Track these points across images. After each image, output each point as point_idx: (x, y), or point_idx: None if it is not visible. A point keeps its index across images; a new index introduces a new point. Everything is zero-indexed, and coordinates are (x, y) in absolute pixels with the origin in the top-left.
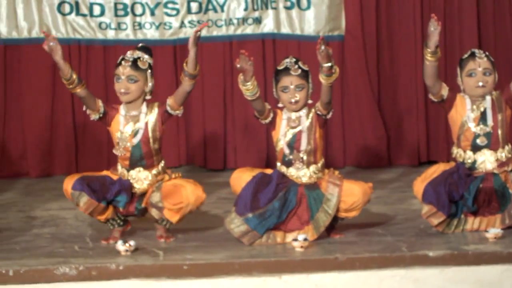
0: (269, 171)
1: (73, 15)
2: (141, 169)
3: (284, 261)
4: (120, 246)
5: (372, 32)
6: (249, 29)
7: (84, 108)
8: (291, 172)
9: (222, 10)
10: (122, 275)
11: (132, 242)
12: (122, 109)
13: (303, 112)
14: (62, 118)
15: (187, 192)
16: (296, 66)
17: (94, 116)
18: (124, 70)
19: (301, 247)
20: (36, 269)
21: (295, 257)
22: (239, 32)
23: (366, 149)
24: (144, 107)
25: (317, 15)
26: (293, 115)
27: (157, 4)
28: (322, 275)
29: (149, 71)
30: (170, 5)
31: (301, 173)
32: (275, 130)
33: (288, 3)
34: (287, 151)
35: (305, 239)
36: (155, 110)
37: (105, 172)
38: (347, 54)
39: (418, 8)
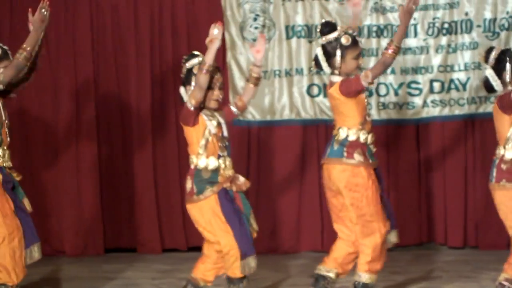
0: None
1: (321, 96)
2: None
3: None
4: None
5: None
6: (490, 108)
7: None
8: None
9: (464, 89)
10: None
11: None
12: None
13: None
14: (308, 200)
15: None
16: None
17: None
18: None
19: None
20: None
21: None
22: (481, 110)
23: None
24: None
25: None
26: None
27: (401, 84)
28: None
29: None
30: (413, 85)
31: None
32: None
33: None
34: None
35: None
36: None
37: None
38: None
39: None
